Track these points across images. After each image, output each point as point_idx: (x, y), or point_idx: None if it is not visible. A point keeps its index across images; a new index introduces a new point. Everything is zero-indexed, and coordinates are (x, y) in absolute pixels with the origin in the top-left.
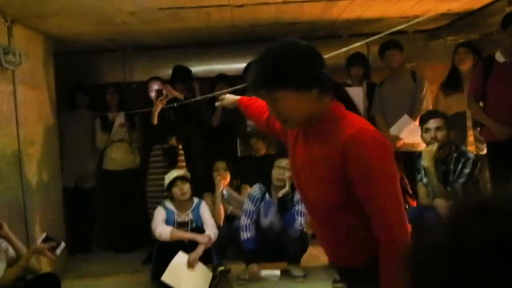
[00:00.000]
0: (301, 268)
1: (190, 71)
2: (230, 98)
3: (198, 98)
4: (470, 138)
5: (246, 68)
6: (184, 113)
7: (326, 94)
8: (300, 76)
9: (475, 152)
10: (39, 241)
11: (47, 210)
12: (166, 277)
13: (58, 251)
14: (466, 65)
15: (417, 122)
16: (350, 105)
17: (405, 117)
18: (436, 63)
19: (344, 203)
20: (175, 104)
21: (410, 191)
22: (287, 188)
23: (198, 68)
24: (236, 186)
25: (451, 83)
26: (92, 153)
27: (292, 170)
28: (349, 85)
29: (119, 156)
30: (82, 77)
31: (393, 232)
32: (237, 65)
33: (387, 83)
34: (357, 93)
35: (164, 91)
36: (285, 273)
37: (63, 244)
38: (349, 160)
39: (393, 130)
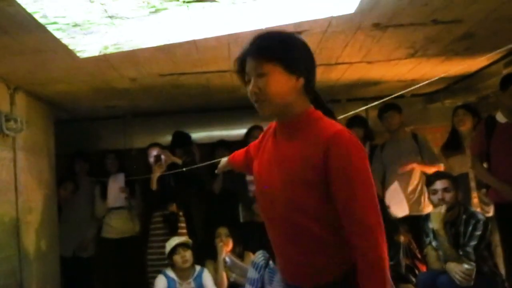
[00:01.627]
0: None
1: (189, 136)
2: (223, 161)
3: (199, 165)
4: (475, 200)
5: (248, 132)
6: (184, 179)
7: (308, 94)
8: (293, 58)
9: None
10: None
11: (45, 280)
12: None
13: None
14: (466, 126)
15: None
16: (329, 115)
17: (395, 185)
18: (435, 126)
19: (317, 210)
20: (184, 169)
21: (419, 255)
22: None
23: (198, 134)
24: (239, 253)
25: (452, 145)
26: (91, 221)
27: (258, 180)
28: None
29: (119, 224)
30: (82, 144)
31: (374, 237)
32: (237, 131)
33: (388, 146)
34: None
35: (162, 157)
36: None
37: None
38: (332, 158)
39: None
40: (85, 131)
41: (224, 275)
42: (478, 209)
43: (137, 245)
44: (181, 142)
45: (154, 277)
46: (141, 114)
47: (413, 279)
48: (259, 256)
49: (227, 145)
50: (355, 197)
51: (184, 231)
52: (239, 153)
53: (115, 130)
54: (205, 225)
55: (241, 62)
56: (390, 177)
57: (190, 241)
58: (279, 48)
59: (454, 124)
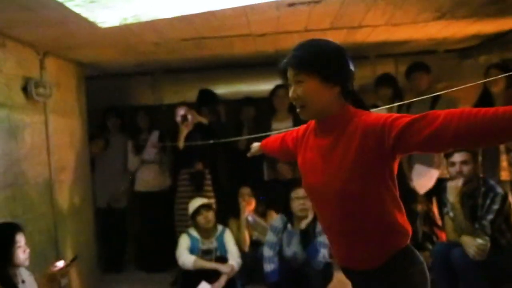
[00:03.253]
0: None
1: (215, 94)
2: (255, 146)
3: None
4: (503, 163)
5: (273, 91)
6: (211, 138)
7: (345, 98)
8: (329, 69)
9: (508, 178)
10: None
11: (79, 233)
12: None
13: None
14: (498, 87)
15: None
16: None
17: (418, 168)
18: (468, 83)
19: (371, 198)
20: (211, 141)
21: (439, 223)
22: (309, 218)
23: (225, 90)
24: (261, 211)
25: (483, 105)
26: (124, 174)
27: (306, 177)
28: (377, 106)
29: (150, 178)
30: (114, 100)
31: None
32: (264, 87)
33: (414, 107)
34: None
35: (189, 116)
36: None
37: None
38: (394, 127)
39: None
40: (116, 87)
41: (247, 233)
42: (506, 172)
43: (167, 198)
44: (207, 100)
45: (181, 231)
46: (169, 70)
47: (430, 247)
48: (277, 220)
49: (253, 103)
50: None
51: (210, 188)
52: (273, 140)
53: (144, 86)
54: (230, 183)
55: (283, 70)
56: None
57: (212, 202)
58: (316, 60)
59: (486, 84)
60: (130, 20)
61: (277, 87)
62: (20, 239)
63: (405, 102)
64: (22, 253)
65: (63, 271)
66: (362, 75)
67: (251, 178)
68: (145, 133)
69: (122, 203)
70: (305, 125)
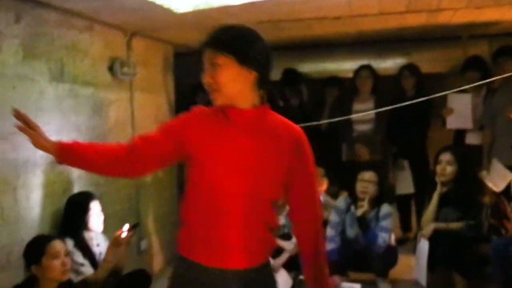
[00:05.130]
0: (389, 282)
1: (299, 74)
2: None
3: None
4: None
5: (356, 71)
6: (291, 117)
7: (260, 89)
8: (248, 54)
9: None
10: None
11: (161, 203)
12: None
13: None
14: None
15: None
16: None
17: (495, 164)
18: None
19: (274, 197)
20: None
21: (510, 216)
22: (365, 207)
23: (309, 69)
24: (333, 192)
25: None
26: None
27: (222, 160)
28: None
29: None
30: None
31: (319, 215)
32: (348, 66)
33: (500, 92)
34: (463, 102)
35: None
36: (370, 286)
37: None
38: (302, 152)
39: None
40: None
41: None
42: None
43: None
44: (290, 80)
45: None
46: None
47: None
48: (341, 201)
49: (337, 83)
50: (312, 184)
51: None
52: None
53: None
54: None
55: (200, 51)
56: (498, 125)
57: None
58: (234, 42)
59: None
60: (202, 7)
61: (361, 68)
62: (94, 206)
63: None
64: (96, 219)
65: (126, 237)
66: (451, 56)
67: (329, 159)
68: None
69: None
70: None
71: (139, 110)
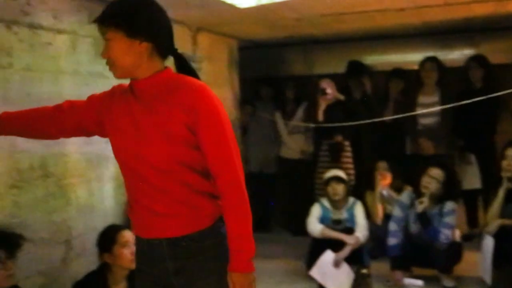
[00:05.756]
0: (452, 278)
1: (363, 66)
2: None
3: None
4: None
5: (421, 64)
6: (354, 111)
7: (159, 56)
8: (134, 24)
9: None
10: None
11: None
12: (313, 272)
13: None
14: None
15: None
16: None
17: None
18: None
19: (188, 160)
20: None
21: None
22: (425, 203)
23: (374, 61)
24: (397, 186)
25: None
26: (273, 141)
27: (121, 138)
28: None
29: (295, 146)
30: (266, 69)
31: (238, 175)
32: (413, 57)
33: None
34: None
35: (328, 91)
36: (434, 282)
37: None
38: (197, 111)
39: None
40: (268, 57)
41: (380, 207)
42: None
43: (310, 166)
44: (354, 72)
45: (317, 200)
46: (320, 41)
47: None
48: (405, 196)
49: (402, 75)
50: (222, 143)
51: (349, 160)
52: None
53: (296, 56)
54: (372, 155)
55: (99, 27)
56: None
57: (343, 175)
58: (121, 15)
59: None
60: (264, 1)
61: (426, 59)
62: None
63: None
64: None
65: None
66: None
67: (392, 152)
68: (292, 103)
69: (272, 168)
70: (115, 87)
71: None
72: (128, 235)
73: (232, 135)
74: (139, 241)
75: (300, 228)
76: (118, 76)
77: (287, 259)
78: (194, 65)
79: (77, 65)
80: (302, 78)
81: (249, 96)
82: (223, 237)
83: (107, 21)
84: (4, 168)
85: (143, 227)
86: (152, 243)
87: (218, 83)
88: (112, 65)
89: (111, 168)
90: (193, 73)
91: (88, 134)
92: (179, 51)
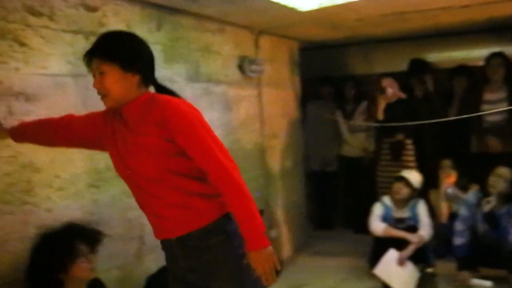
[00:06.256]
0: None
1: (426, 64)
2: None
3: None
4: None
5: (488, 59)
6: (415, 110)
7: (145, 85)
8: (129, 59)
9: None
10: None
11: (289, 193)
12: (377, 271)
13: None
14: None
15: None
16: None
17: None
18: None
19: (174, 167)
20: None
21: None
22: (492, 203)
23: (437, 58)
24: (462, 185)
25: None
26: (334, 140)
27: (117, 157)
28: None
29: (356, 144)
30: (327, 69)
31: (224, 166)
32: (478, 54)
33: None
34: None
35: (388, 89)
36: (503, 283)
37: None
38: (167, 122)
39: None
40: (329, 57)
41: (445, 206)
42: None
43: (371, 165)
44: (416, 70)
45: (379, 198)
46: (381, 40)
47: None
48: (471, 195)
49: (466, 72)
50: (199, 141)
51: (411, 158)
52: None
53: (356, 56)
54: (435, 154)
55: (88, 59)
56: None
57: (413, 182)
58: (117, 50)
59: None
60: (326, 4)
61: (492, 55)
62: None
63: None
64: None
65: None
66: None
67: (457, 150)
68: (352, 102)
69: (333, 166)
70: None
71: (267, 105)
72: None
73: (208, 130)
74: (160, 242)
75: (361, 226)
76: (110, 105)
77: (349, 257)
78: (256, 67)
79: None
80: (362, 77)
81: (310, 96)
82: (228, 235)
83: (104, 55)
84: (84, 168)
85: (155, 229)
86: (165, 243)
87: (280, 84)
88: (105, 95)
89: None
90: (174, 94)
91: (88, 146)
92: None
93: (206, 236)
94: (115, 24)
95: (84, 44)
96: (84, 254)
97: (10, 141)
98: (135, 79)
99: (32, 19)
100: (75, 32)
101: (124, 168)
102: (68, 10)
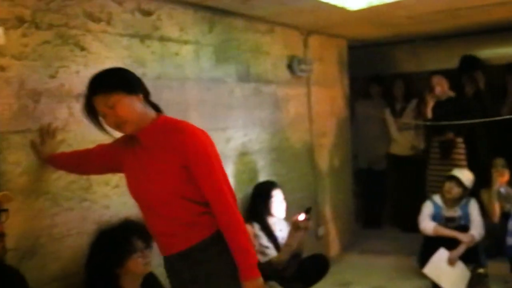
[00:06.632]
0: None
1: (477, 61)
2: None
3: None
4: None
5: None
6: (466, 108)
7: (147, 102)
8: (127, 82)
9: None
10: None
11: (337, 191)
12: (427, 270)
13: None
14: None
15: None
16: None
17: None
18: None
19: (186, 193)
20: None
21: None
22: None
23: (489, 55)
24: None
25: None
26: (383, 138)
27: (133, 178)
28: None
29: (405, 143)
30: (376, 67)
31: (227, 201)
32: None
33: None
34: None
35: (437, 88)
36: None
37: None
38: (187, 151)
39: None
40: (378, 55)
41: (497, 205)
42: None
43: (421, 163)
44: (467, 67)
45: (429, 196)
46: (431, 37)
47: None
48: None
49: None
50: (210, 173)
51: (462, 157)
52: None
53: (405, 54)
54: (487, 152)
55: (90, 104)
56: None
57: (460, 176)
58: (113, 80)
59: None
60: (375, 2)
61: None
62: (277, 194)
63: None
64: (278, 206)
65: (304, 222)
66: None
67: (510, 149)
68: (401, 100)
69: (381, 164)
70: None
71: (315, 104)
72: (247, 229)
73: (219, 165)
74: (164, 259)
75: (410, 225)
76: (131, 130)
77: (398, 256)
78: (305, 67)
79: (200, 72)
80: (411, 75)
81: (358, 94)
82: (225, 244)
83: (107, 89)
84: None
85: (161, 248)
86: (169, 259)
87: (328, 83)
88: (123, 123)
89: (230, 166)
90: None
91: (113, 171)
92: None
93: (205, 248)
94: (169, 27)
95: (139, 47)
96: (140, 249)
97: (71, 141)
98: (140, 98)
99: (92, 25)
100: (131, 35)
101: (138, 190)
102: (125, 15)
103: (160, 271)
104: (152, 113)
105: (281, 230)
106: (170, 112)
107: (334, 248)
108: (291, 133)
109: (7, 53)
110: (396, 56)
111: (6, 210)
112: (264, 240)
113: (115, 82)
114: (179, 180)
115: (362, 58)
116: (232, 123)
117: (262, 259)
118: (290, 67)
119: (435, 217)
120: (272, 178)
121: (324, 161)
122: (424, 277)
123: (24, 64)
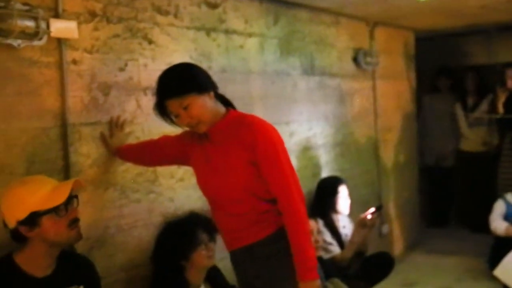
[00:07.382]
0: None
1: None
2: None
3: None
4: None
5: None
6: None
7: (217, 98)
8: (200, 81)
9: None
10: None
11: (401, 188)
12: (498, 272)
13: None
14: None
15: None
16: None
17: None
18: None
19: (254, 189)
20: None
21: None
22: None
23: None
24: None
25: None
26: (452, 134)
27: (202, 173)
28: None
29: (476, 138)
30: (445, 60)
31: (293, 198)
32: None
33: None
34: None
35: (509, 81)
36: None
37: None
38: (256, 146)
39: None
40: (448, 47)
41: None
42: None
43: (493, 160)
44: None
45: (501, 195)
46: (505, 27)
47: None
48: None
49: None
50: (278, 173)
51: None
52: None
53: (478, 45)
54: None
55: (161, 106)
56: None
57: None
58: (186, 82)
59: None
60: None
61: None
62: (342, 190)
63: None
64: (343, 202)
65: (371, 220)
66: None
67: None
68: (473, 94)
69: (449, 161)
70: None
71: (381, 97)
72: (311, 225)
73: (288, 161)
74: (230, 253)
75: (479, 225)
76: (205, 129)
77: (465, 256)
78: (371, 59)
79: (264, 65)
80: (484, 68)
81: (426, 88)
82: (287, 241)
83: (180, 92)
84: None
85: (227, 243)
86: (235, 253)
87: (395, 76)
88: (198, 123)
89: (293, 160)
90: (232, 105)
91: (182, 163)
92: None
93: (268, 243)
94: (234, 19)
95: (205, 40)
96: (204, 242)
97: (138, 133)
98: (211, 95)
99: (160, 18)
100: (198, 28)
101: (207, 186)
102: (191, 7)
103: (223, 265)
104: (222, 108)
105: (344, 226)
106: (234, 105)
107: (398, 247)
108: (356, 128)
109: (80, 46)
110: (466, 48)
111: (77, 197)
112: (328, 237)
113: (189, 85)
114: (249, 177)
115: (430, 50)
116: (296, 116)
117: (325, 255)
118: (355, 59)
119: (508, 217)
120: (336, 174)
121: (389, 157)
122: (494, 279)
123: (95, 57)
